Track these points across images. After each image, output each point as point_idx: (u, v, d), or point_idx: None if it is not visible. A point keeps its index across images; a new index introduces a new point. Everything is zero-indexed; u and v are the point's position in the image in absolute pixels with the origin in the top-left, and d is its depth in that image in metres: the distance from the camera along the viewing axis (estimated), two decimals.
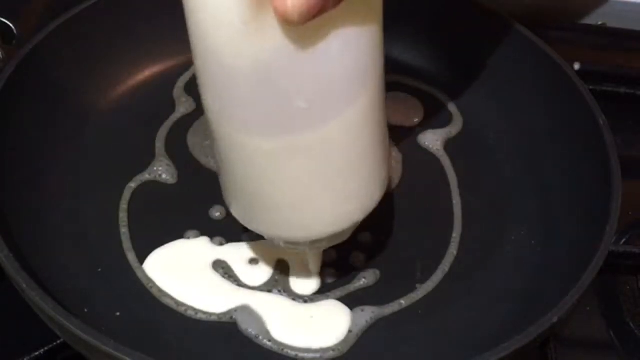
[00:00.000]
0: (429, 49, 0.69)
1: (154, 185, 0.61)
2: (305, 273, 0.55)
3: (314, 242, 0.49)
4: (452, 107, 0.68)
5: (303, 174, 0.45)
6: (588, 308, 0.61)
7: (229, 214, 0.59)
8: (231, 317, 0.53)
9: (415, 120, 0.67)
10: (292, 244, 0.50)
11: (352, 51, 0.42)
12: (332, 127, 0.44)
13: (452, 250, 0.58)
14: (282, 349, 0.52)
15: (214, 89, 0.43)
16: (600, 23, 0.83)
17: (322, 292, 0.55)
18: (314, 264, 0.55)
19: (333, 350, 0.52)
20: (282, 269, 0.56)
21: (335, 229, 0.48)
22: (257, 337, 0.52)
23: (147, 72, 0.68)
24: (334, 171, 0.46)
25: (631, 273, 0.63)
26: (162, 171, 0.62)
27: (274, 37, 0.40)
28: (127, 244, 0.57)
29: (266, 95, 0.42)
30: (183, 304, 0.53)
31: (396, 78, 0.70)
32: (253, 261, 0.56)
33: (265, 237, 0.52)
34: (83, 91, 0.64)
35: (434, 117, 0.68)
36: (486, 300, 0.55)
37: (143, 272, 0.55)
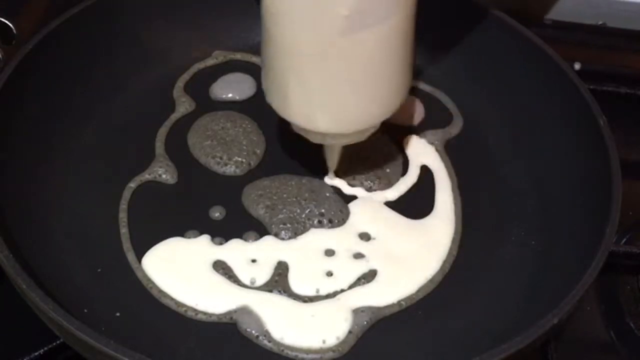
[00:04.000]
0: (429, 49, 0.69)
1: (154, 185, 0.61)
2: (305, 272, 0.56)
3: (335, 136, 0.55)
4: (452, 107, 0.68)
5: (335, 73, 0.51)
6: (588, 308, 0.61)
7: (228, 214, 0.59)
8: (231, 318, 0.53)
9: (416, 120, 0.67)
10: (318, 136, 0.56)
11: None
12: (367, 36, 0.50)
13: (452, 250, 0.58)
14: (282, 350, 0.52)
15: None
16: (600, 23, 0.83)
17: (319, 292, 0.55)
18: (333, 159, 0.60)
19: (333, 350, 0.52)
20: (282, 269, 0.56)
21: (358, 127, 0.55)
22: (257, 338, 0.52)
23: (147, 72, 0.68)
24: (362, 74, 0.52)
25: (631, 273, 0.63)
26: (162, 171, 0.62)
27: None
28: (127, 244, 0.57)
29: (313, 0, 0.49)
30: (183, 304, 0.53)
31: None
32: (253, 261, 0.56)
33: (297, 126, 0.56)
34: (82, 91, 0.64)
35: (434, 117, 0.68)
36: (486, 300, 0.55)
37: (143, 272, 0.55)
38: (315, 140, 0.57)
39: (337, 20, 0.49)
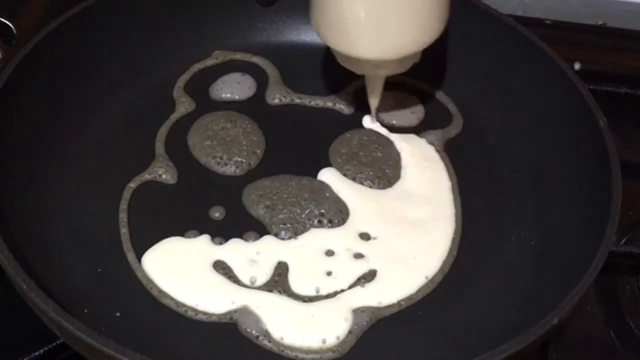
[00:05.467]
0: (429, 50, 0.69)
1: (154, 185, 0.61)
2: (305, 272, 0.56)
3: (378, 65, 0.60)
4: (452, 107, 0.68)
5: (384, 3, 0.56)
6: (588, 308, 0.61)
7: (228, 214, 0.59)
8: (231, 318, 0.53)
9: (416, 120, 0.67)
10: (362, 65, 0.60)
11: None
12: None
13: (452, 250, 0.58)
14: (282, 350, 0.52)
15: None
16: (600, 23, 0.83)
17: (319, 292, 0.55)
18: (376, 92, 0.64)
19: (333, 350, 0.52)
20: (282, 269, 0.56)
21: (401, 52, 0.59)
22: (257, 338, 0.52)
23: (147, 72, 0.68)
24: (407, 1, 0.56)
25: (631, 273, 0.63)
26: (162, 171, 0.62)
27: None
28: (127, 244, 0.57)
29: None
30: (183, 305, 0.53)
31: (396, 78, 0.70)
32: (253, 261, 0.56)
33: (341, 56, 0.61)
34: (83, 91, 0.64)
35: (434, 117, 0.68)
36: (486, 300, 0.55)
37: (143, 272, 0.55)
38: (360, 71, 0.61)
39: None
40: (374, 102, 0.65)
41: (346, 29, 0.58)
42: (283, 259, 0.56)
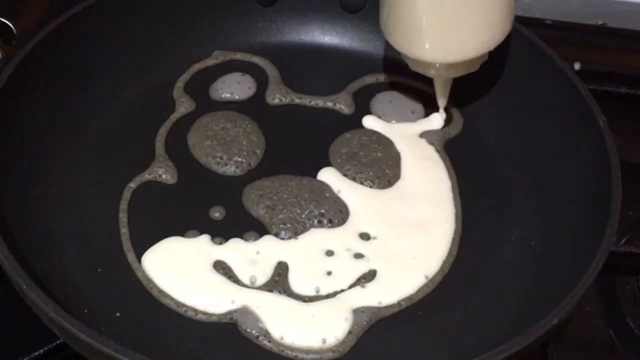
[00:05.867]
0: None
1: (154, 185, 0.61)
2: (305, 272, 0.56)
3: (449, 67, 0.61)
4: (452, 107, 0.68)
5: (450, 4, 0.58)
6: (588, 308, 0.61)
7: (228, 214, 0.59)
8: (231, 318, 0.53)
9: (416, 120, 0.67)
10: (433, 68, 0.62)
11: None
12: None
13: (452, 250, 0.58)
14: (282, 350, 0.52)
15: None
16: (600, 23, 0.83)
17: (319, 292, 0.55)
18: (444, 93, 0.65)
19: (333, 350, 0.52)
20: (282, 269, 0.56)
21: (471, 54, 0.60)
22: (257, 338, 0.52)
23: (147, 72, 0.68)
24: (478, 3, 0.58)
25: (631, 273, 0.63)
26: (162, 171, 0.62)
27: None
28: (127, 244, 0.57)
29: None
30: (183, 305, 0.53)
31: (396, 78, 0.70)
32: (253, 261, 0.56)
33: (413, 62, 0.62)
34: (83, 91, 0.64)
35: (434, 117, 0.67)
36: (486, 300, 0.55)
37: (143, 272, 0.55)
38: (431, 74, 0.63)
39: None
40: (442, 102, 0.66)
41: (418, 34, 0.59)
42: (283, 259, 0.56)
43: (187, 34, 0.70)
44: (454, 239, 0.59)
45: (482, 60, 0.62)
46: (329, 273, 0.56)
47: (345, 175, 0.62)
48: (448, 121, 0.67)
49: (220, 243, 0.57)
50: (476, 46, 0.60)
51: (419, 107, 0.68)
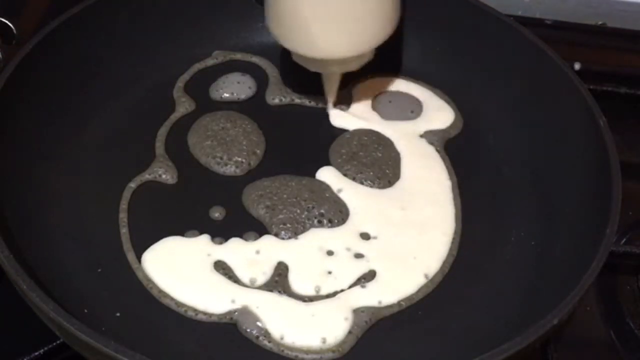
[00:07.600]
0: (429, 50, 0.69)
1: (154, 185, 0.61)
2: (305, 272, 0.56)
3: (332, 63, 0.61)
4: (452, 107, 0.68)
5: (330, 4, 0.58)
6: (588, 308, 0.61)
7: (228, 214, 0.59)
8: (231, 318, 0.53)
9: (415, 120, 0.67)
10: (316, 63, 0.62)
11: None
12: None
13: (452, 250, 0.58)
14: (282, 350, 0.52)
15: None
16: (600, 23, 0.83)
17: (319, 292, 0.55)
18: (332, 89, 0.65)
19: (333, 350, 0.52)
20: (282, 269, 0.56)
21: (352, 52, 0.61)
22: (257, 338, 0.52)
23: (147, 72, 0.68)
24: (356, 5, 0.58)
25: (631, 273, 0.63)
26: (162, 171, 0.62)
27: None
28: (127, 244, 0.57)
29: None
30: (183, 304, 0.53)
31: (396, 78, 0.70)
32: (253, 261, 0.56)
33: (296, 54, 0.62)
34: (83, 91, 0.64)
35: (434, 117, 0.67)
36: (486, 300, 0.55)
37: (143, 272, 0.55)
38: (313, 68, 0.63)
39: None
40: (330, 98, 0.66)
41: (301, 30, 0.59)
42: (283, 259, 0.56)
43: (187, 34, 0.70)
44: (454, 239, 0.59)
45: (368, 57, 0.62)
46: (329, 273, 0.56)
47: (345, 175, 0.62)
48: (448, 121, 0.67)
49: (220, 243, 0.57)
50: (358, 44, 0.60)
51: (419, 107, 0.68)
